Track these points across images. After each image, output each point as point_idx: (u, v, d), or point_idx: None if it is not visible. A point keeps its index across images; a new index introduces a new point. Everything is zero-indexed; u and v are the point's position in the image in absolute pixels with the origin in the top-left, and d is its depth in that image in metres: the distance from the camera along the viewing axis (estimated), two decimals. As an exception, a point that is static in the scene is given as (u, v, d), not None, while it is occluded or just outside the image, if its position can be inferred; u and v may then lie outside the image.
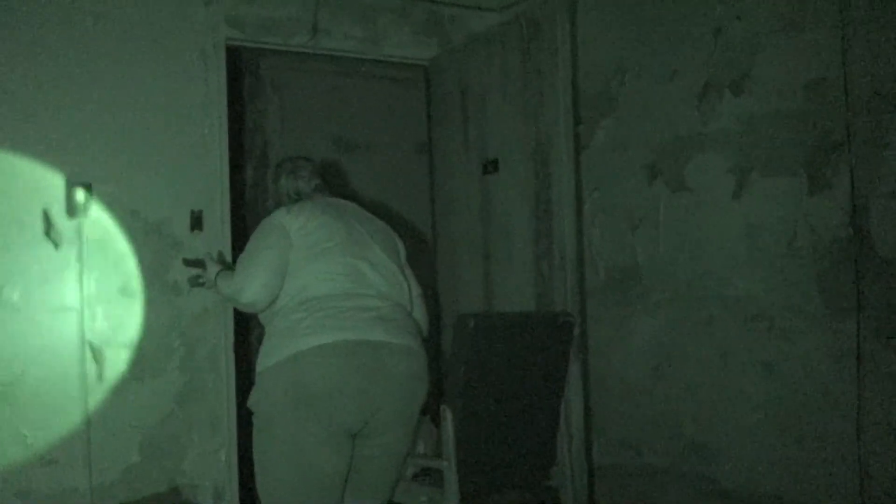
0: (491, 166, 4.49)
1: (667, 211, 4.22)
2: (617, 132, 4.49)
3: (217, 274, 3.39)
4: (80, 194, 3.73)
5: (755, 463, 3.85)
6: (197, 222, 4.00)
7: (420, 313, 3.29)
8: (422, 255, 5.56)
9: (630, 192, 4.39)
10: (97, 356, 3.77)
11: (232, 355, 4.08)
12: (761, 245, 3.83)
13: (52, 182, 3.71)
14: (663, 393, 4.22)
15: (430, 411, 3.95)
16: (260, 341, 3.09)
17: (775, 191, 3.78)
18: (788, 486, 3.74)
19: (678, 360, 4.15)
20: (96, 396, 3.76)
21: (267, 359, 2.94)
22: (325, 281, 3.01)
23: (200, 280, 3.62)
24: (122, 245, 3.85)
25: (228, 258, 4.04)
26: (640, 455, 4.32)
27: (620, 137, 4.46)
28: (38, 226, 3.67)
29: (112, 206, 3.82)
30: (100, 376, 3.78)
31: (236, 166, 4.56)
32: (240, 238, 4.05)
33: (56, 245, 3.70)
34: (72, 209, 3.72)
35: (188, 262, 3.78)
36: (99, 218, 3.79)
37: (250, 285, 3.00)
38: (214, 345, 4.04)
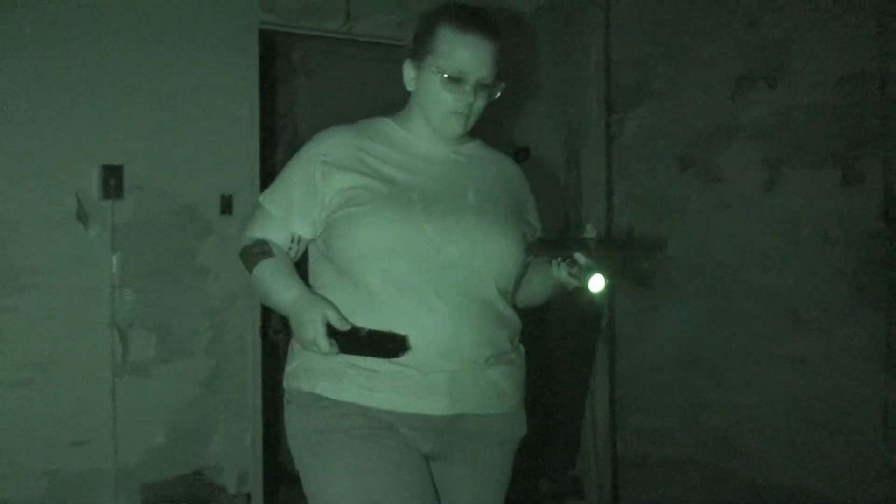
0: (522, 154, 4.46)
1: (698, 202, 4.19)
2: (649, 122, 4.45)
3: None
4: (111, 176, 3.74)
5: (780, 456, 3.82)
6: (227, 206, 4.00)
7: None
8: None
9: (661, 183, 4.36)
10: (125, 338, 3.78)
11: (259, 340, 4.08)
12: (793, 238, 3.79)
13: (83, 164, 3.72)
14: (690, 385, 4.19)
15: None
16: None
17: (808, 183, 3.74)
18: (813, 480, 3.71)
19: (706, 353, 4.12)
20: (123, 378, 3.78)
21: None
22: None
23: None
24: (151, 227, 3.86)
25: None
26: (665, 446, 4.29)
27: (652, 127, 4.43)
28: (70, 207, 3.69)
29: (143, 188, 3.83)
30: (127, 358, 3.79)
31: (267, 150, 4.55)
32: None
33: (86, 226, 3.71)
34: (103, 191, 3.73)
35: None
36: (129, 200, 3.80)
37: None
38: (242, 329, 4.04)
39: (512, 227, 2.14)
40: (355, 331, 1.93)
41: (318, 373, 2.05)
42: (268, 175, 4.58)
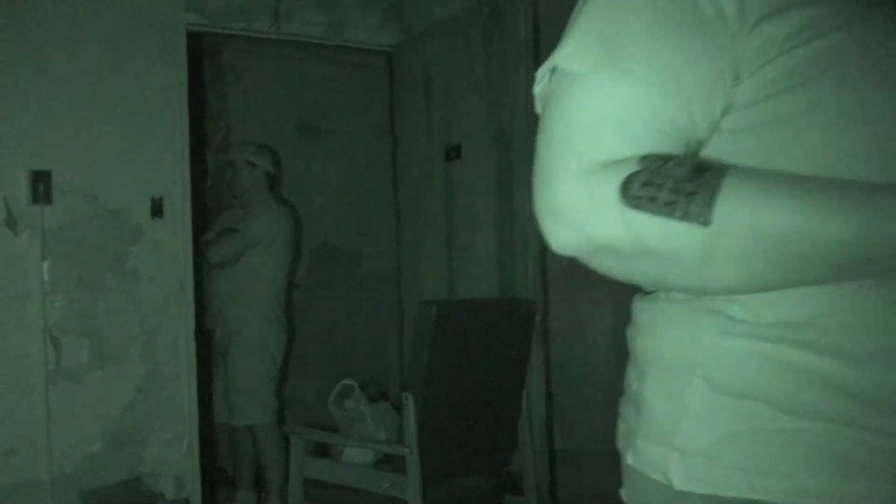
0: (454, 153, 4.48)
1: (628, 198, 4.24)
2: (579, 119, 4.49)
3: None
4: (39, 182, 3.70)
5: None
6: (157, 209, 3.97)
7: None
8: (385, 242, 5.56)
9: (592, 179, 4.40)
10: (57, 344, 3.74)
11: (193, 344, 4.06)
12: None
13: (11, 170, 3.67)
14: (624, 378, 4.24)
15: (391, 398, 3.97)
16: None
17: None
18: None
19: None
20: (57, 385, 3.74)
21: None
22: None
23: None
24: (81, 232, 3.82)
25: (189, 245, 4.03)
26: (602, 439, 4.33)
27: (582, 124, 4.47)
28: (-2, 213, 3.64)
29: (72, 193, 3.79)
30: (60, 365, 3.75)
31: (197, 153, 4.53)
32: (200, 225, 4.03)
33: (15, 233, 3.66)
34: (31, 197, 3.68)
35: None
36: (59, 205, 3.76)
37: None
38: (176, 333, 4.02)
39: None
40: None
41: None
42: (197, 178, 4.58)
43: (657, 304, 1.18)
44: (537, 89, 1.18)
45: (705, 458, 1.05)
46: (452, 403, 3.42)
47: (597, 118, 1.04)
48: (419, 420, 3.27)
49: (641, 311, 1.24)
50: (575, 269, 3.94)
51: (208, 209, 5.43)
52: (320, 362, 5.60)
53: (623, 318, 3.95)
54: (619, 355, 4.01)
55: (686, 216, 0.94)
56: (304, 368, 5.48)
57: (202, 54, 5.61)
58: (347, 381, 3.88)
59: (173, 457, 4.00)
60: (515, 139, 4.06)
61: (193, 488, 4.04)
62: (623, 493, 1.22)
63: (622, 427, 1.24)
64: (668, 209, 0.94)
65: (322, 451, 3.91)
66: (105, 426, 3.84)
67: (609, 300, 4.32)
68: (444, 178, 4.57)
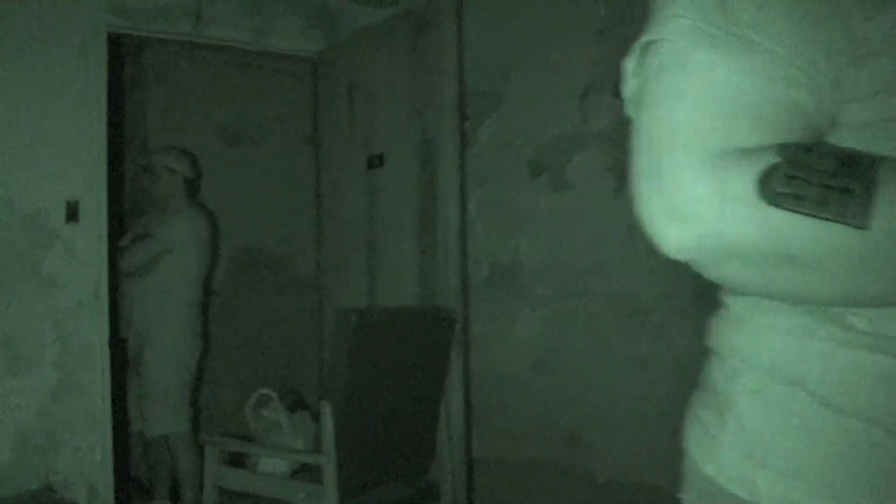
0: (376, 161, 4.48)
1: (549, 208, 4.28)
2: (502, 129, 4.53)
3: None
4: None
5: (630, 455, 3.94)
6: (73, 213, 3.90)
7: None
8: (306, 249, 5.53)
9: (514, 189, 4.44)
10: (-34, 350, 3.65)
11: (108, 351, 3.99)
12: (639, 242, 3.91)
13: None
14: (543, 387, 4.28)
15: (309, 406, 3.95)
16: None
17: (652, 190, 3.86)
18: (661, 476, 3.83)
19: (558, 355, 4.22)
20: (-35, 392, 3.65)
21: None
22: None
23: None
24: (-7, 236, 3.73)
25: (105, 250, 3.96)
26: (520, 448, 4.37)
27: (505, 134, 4.50)
28: None
29: (-16, 195, 3.71)
30: (-32, 371, 3.66)
31: (116, 156, 4.46)
32: (117, 231, 3.97)
33: (-77, 235, 3.57)
34: (-60, 198, 3.60)
35: None
36: (-31, 208, 3.67)
37: None
38: (90, 340, 3.95)
39: None
40: None
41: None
42: (115, 181, 4.51)
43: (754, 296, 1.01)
44: (627, 86, 1.05)
45: (805, 482, 0.93)
46: (371, 412, 3.41)
47: (723, 98, 0.88)
48: (337, 429, 3.26)
49: (735, 301, 1.08)
50: (495, 279, 3.97)
51: (126, 213, 5.34)
52: (239, 370, 5.55)
53: (540, 327, 3.99)
54: (537, 364, 4.05)
55: (840, 216, 0.80)
56: (222, 377, 5.43)
57: (124, 56, 5.53)
58: (264, 391, 3.85)
59: (86, 465, 3.92)
60: (439, 148, 4.07)
61: (106, 498, 3.97)
62: (686, 497, 1.12)
63: (696, 429, 1.11)
64: (817, 208, 0.80)
65: (238, 460, 3.87)
66: (16, 433, 3.76)
67: (529, 308, 4.35)
68: (366, 185, 4.56)
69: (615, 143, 4.00)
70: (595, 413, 4.07)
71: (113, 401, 3.98)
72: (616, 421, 3.98)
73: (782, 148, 0.84)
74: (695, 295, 3.71)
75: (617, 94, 3.73)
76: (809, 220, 0.81)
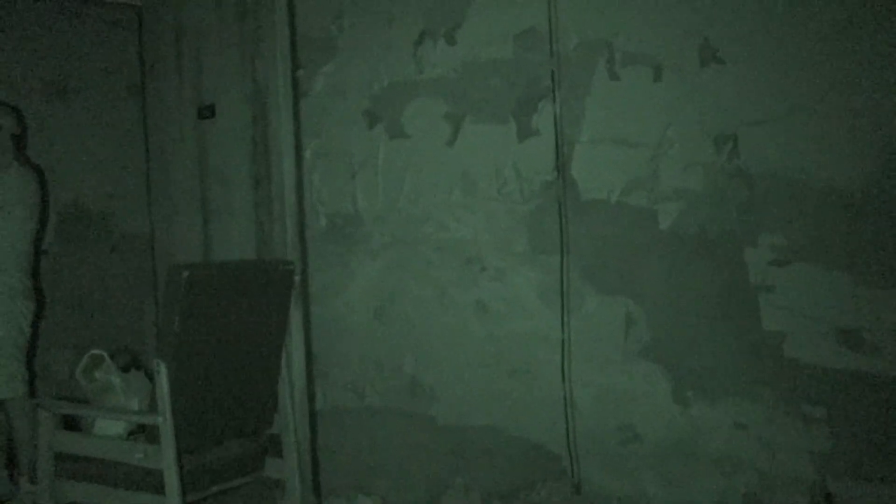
0: (207, 111, 4.36)
1: (385, 157, 4.26)
2: (337, 78, 4.46)
3: None
4: None
5: (471, 398, 3.99)
6: None
7: None
8: (137, 204, 5.39)
9: (350, 139, 4.39)
10: None
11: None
12: (474, 190, 3.94)
13: None
14: (385, 335, 4.28)
15: (143, 366, 3.85)
16: None
17: (487, 137, 3.89)
18: (502, 418, 3.91)
19: (399, 303, 4.23)
20: None
21: None
22: None
23: None
24: None
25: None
26: (363, 397, 4.37)
27: (340, 83, 4.44)
28: None
29: None
30: None
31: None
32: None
33: None
34: None
35: None
36: None
37: None
38: None
39: None
40: None
41: None
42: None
43: None
44: None
45: None
46: (208, 369, 3.34)
47: None
48: (173, 388, 3.19)
49: None
50: (333, 229, 3.92)
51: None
52: (72, 332, 5.36)
53: (382, 275, 3.98)
54: (378, 312, 4.04)
55: None
56: (55, 338, 5.24)
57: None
58: (95, 351, 3.75)
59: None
60: (272, 97, 3.99)
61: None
62: None
63: None
64: None
65: (75, 424, 3.76)
66: None
67: (368, 257, 4.33)
68: (196, 137, 4.44)
69: (449, 92, 4.00)
70: (437, 358, 4.11)
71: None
72: (457, 365, 4.03)
73: None
74: (531, 238, 3.77)
75: (451, 41, 3.71)
76: None
